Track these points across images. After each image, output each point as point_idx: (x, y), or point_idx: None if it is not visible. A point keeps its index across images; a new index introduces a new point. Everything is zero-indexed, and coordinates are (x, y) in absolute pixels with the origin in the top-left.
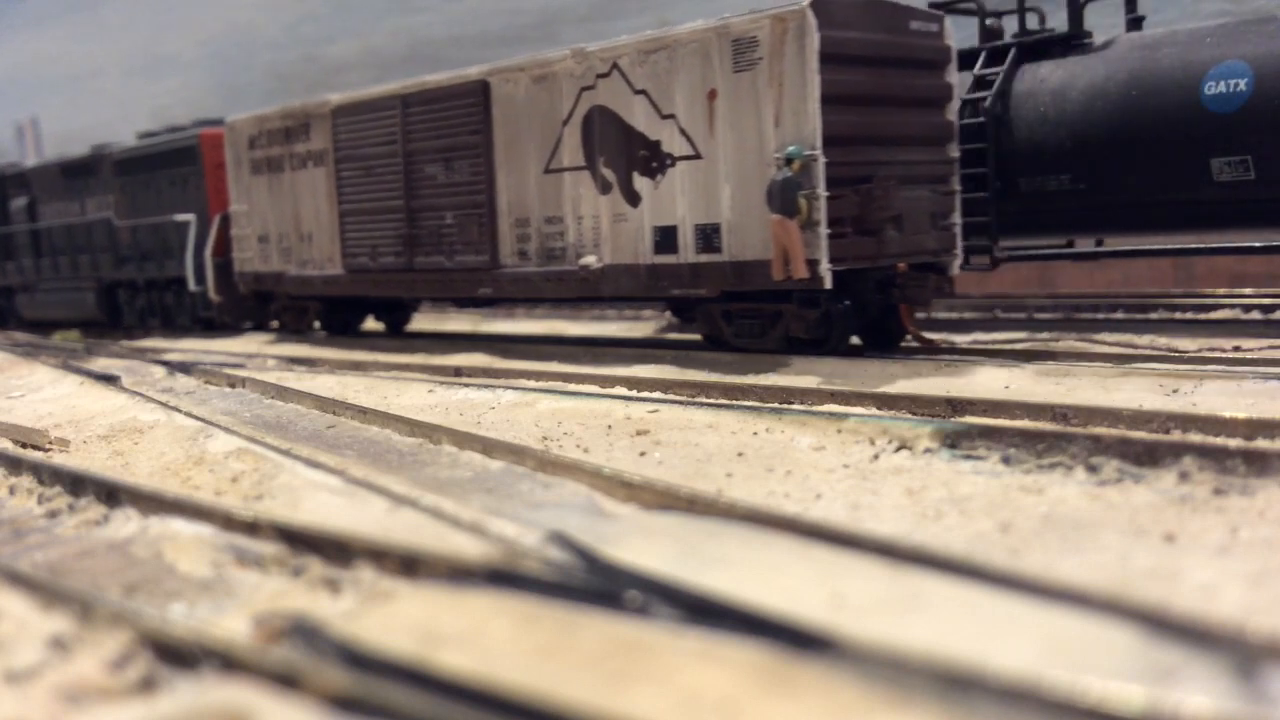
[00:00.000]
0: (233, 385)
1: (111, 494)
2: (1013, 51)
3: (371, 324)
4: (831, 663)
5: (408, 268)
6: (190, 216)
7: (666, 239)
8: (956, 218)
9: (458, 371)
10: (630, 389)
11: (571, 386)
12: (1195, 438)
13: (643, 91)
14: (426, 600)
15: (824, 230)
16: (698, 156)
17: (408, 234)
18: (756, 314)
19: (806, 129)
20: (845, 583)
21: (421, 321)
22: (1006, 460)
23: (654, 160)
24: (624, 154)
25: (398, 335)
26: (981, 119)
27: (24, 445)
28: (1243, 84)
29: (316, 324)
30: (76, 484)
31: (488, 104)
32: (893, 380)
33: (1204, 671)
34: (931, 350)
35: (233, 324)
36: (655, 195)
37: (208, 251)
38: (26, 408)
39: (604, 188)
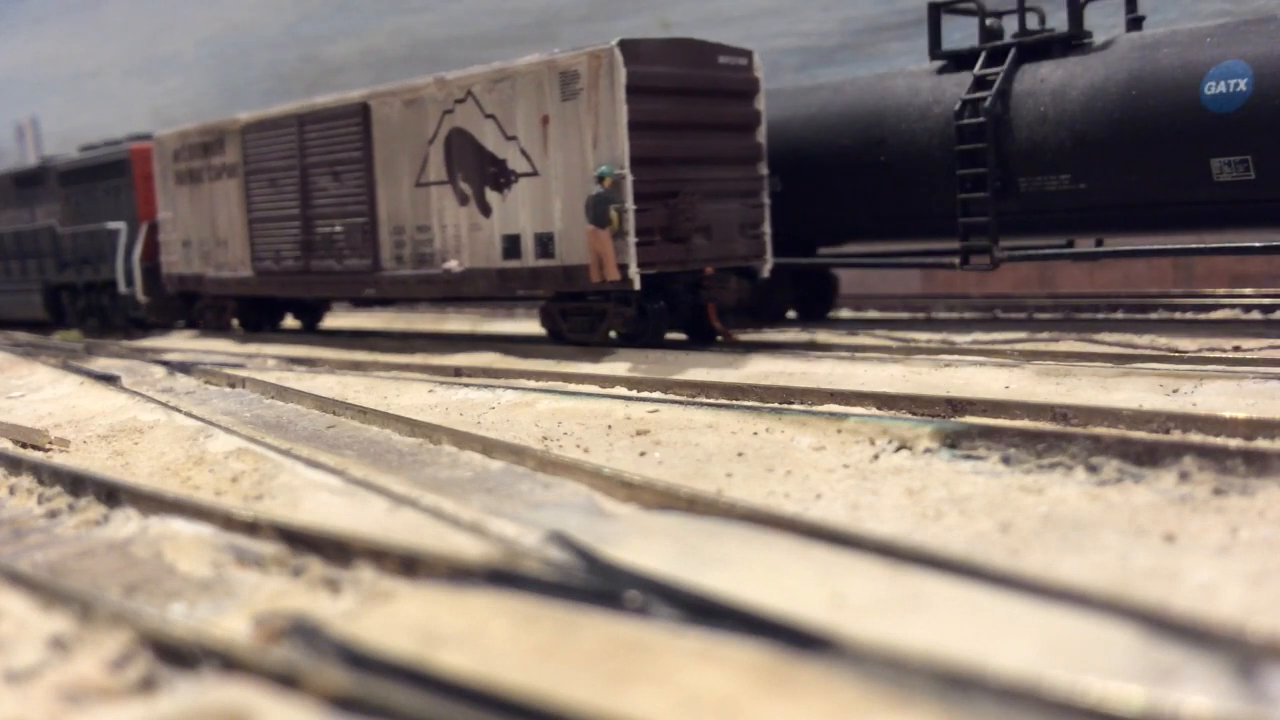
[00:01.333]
0: (233, 385)
1: (111, 494)
2: (1013, 51)
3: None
4: (831, 663)
5: (305, 270)
6: (121, 224)
7: (512, 246)
8: (766, 227)
9: (457, 371)
10: (630, 389)
11: (572, 386)
12: (1195, 438)
13: (491, 116)
14: (426, 600)
15: (632, 239)
16: (535, 174)
17: (305, 240)
18: (586, 312)
19: (617, 151)
20: (845, 583)
21: (421, 323)
22: (1006, 460)
23: (501, 176)
24: (478, 171)
25: (313, 331)
26: (981, 119)
27: (24, 445)
28: (1243, 84)
29: (235, 322)
30: (76, 484)
31: (368, 124)
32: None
33: (1204, 671)
34: (734, 343)
35: (160, 323)
36: (503, 207)
37: (135, 256)
38: (26, 408)
39: (463, 200)
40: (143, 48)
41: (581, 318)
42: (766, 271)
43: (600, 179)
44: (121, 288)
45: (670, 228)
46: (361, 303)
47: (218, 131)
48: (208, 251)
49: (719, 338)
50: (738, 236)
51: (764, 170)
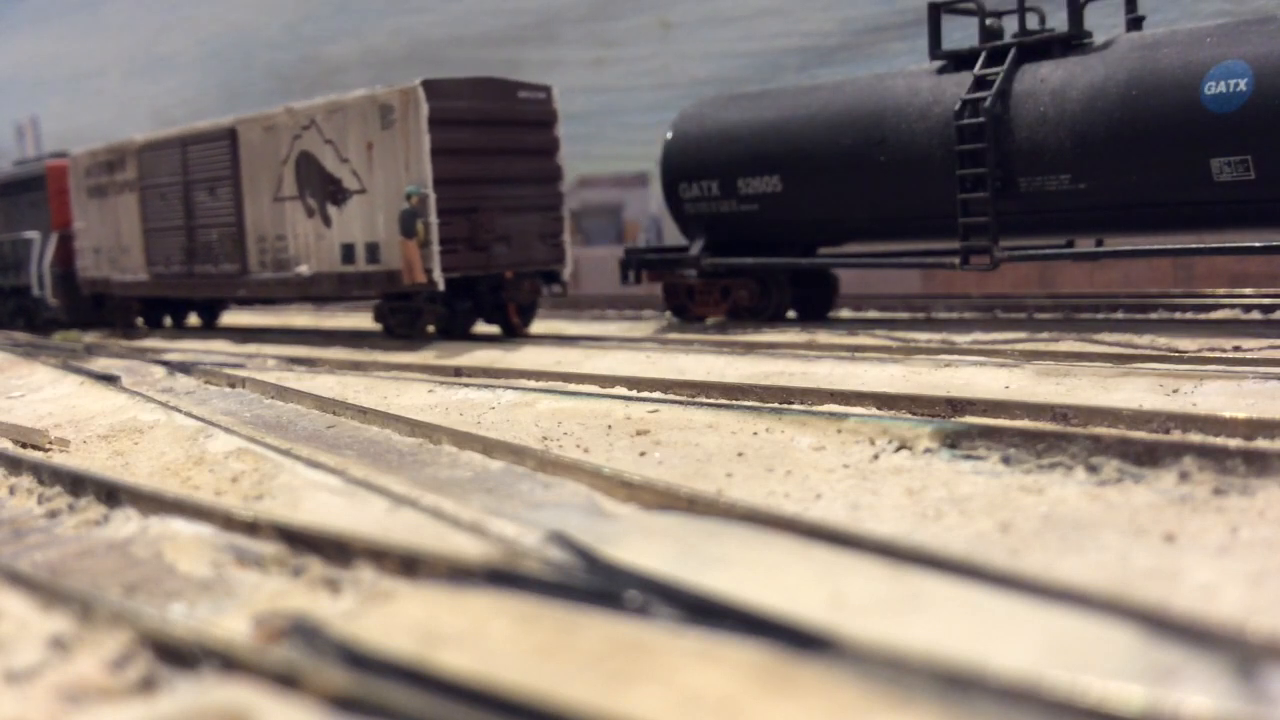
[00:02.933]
0: (233, 385)
1: (111, 494)
2: (1013, 51)
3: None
4: (831, 663)
5: (190, 274)
6: (35, 234)
7: (348, 253)
8: (566, 237)
9: (458, 371)
10: (630, 389)
11: (571, 386)
12: (1195, 438)
13: (330, 141)
14: (426, 600)
15: (436, 248)
16: (364, 191)
17: (189, 247)
18: (408, 310)
19: (423, 173)
20: (845, 583)
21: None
22: (1006, 460)
23: (339, 193)
24: (321, 187)
25: (211, 328)
26: (981, 119)
27: (24, 445)
28: (1243, 84)
29: (140, 320)
30: (76, 484)
31: (236, 147)
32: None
33: (1204, 671)
34: (528, 337)
35: (71, 323)
36: (341, 219)
37: (46, 263)
38: (26, 408)
39: (310, 213)
40: (143, 48)
41: (404, 315)
42: (566, 275)
43: (408, 197)
44: (35, 291)
45: (472, 238)
46: (235, 302)
47: (120, 151)
48: (114, 258)
49: (517, 331)
50: (537, 245)
51: (563, 189)
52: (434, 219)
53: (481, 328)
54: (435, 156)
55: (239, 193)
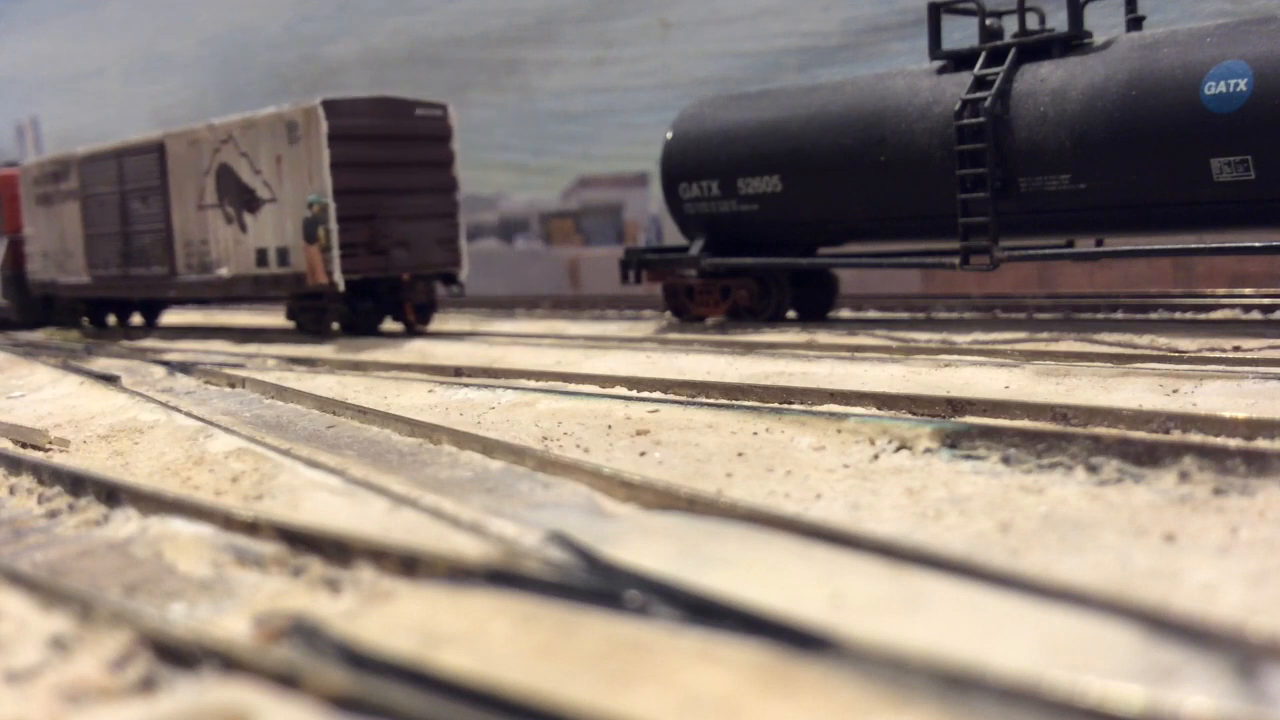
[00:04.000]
0: (233, 385)
1: (111, 494)
2: (1013, 51)
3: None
4: (831, 663)
5: (126, 276)
6: None
7: (262, 257)
8: (461, 242)
9: (458, 371)
10: (630, 389)
11: (571, 386)
12: (1195, 438)
13: (245, 154)
14: (426, 600)
15: (336, 253)
16: (274, 200)
17: (125, 251)
18: (316, 309)
19: (324, 184)
20: (845, 582)
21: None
22: (1006, 460)
23: (253, 202)
24: (238, 197)
25: (152, 327)
26: (981, 119)
27: (24, 445)
28: (1243, 84)
29: (86, 319)
30: (76, 484)
31: (164, 159)
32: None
33: (1204, 671)
34: (426, 334)
35: (20, 323)
36: (255, 226)
37: None
38: (26, 408)
39: (229, 220)
40: (143, 48)
41: (312, 313)
42: (463, 276)
43: (310, 205)
44: None
45: (371, 243)
46: (167, 303)
47: (64, 162)
48: (60, 261)
49: (414, 328)
50: (434, 249)
51: (459, 198)
52: (334, 226)
53: (390, 325)
54: (335, 169)
55: (168, 201)
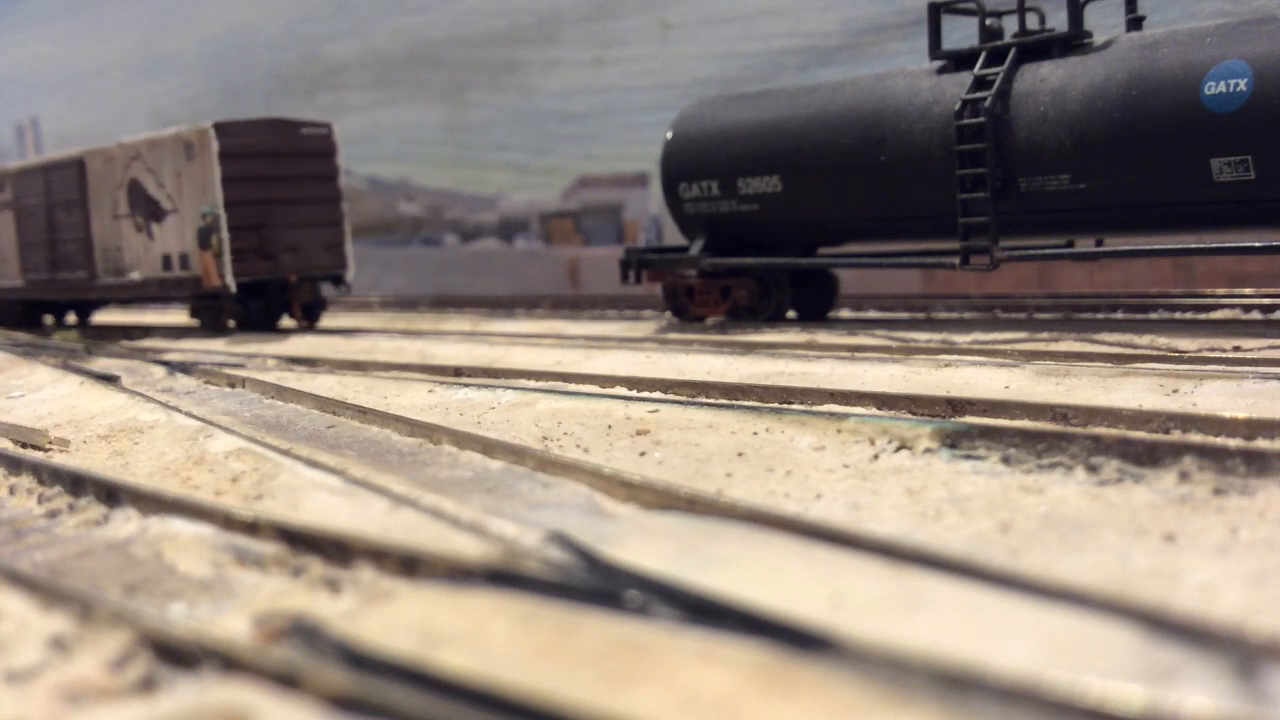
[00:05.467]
0: (232, 385)
1: (111, 494)
2: (1013, 51)
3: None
4: (831, 663)
5: (54, 280)
6: None
7: (167, 261)
8: (347, 247)
9: (458, 371)
10: (630, 389)
11: (571, 386)
12: (1195, 438)
13: (151, 170)
14: (426, 600)
15: (228, 258)
16: (177, 211)
17: (52, 258)
18: (214, 308)
19: (216, 197)
20: (845, 582)
21: (421, 323)
22: (1006, 460)
23: (158, 212)
24: (146, 208)
25: (85, 326)
26: (981, 119)
27: (24, 445)
28: (1243, 84)
29: (21, 320)
30: (76, 484)
31: (84, 174)
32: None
33: (1204, 671)
34: (315, 330)
35: None
36: (161, 234)
37: None
38: (26, 408)
39: (139, 229)
40: (143, 48)
41: (210, 312)
42: (349, 277)
43: (204, 216)
44: None
45: (261, 249)
46: (91, 304)
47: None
48: None
49: (301, 324)
50: (321, 253)
51: (344, 207)
52: (225, 234)
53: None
54: (226, 183)
55: (87, 212)
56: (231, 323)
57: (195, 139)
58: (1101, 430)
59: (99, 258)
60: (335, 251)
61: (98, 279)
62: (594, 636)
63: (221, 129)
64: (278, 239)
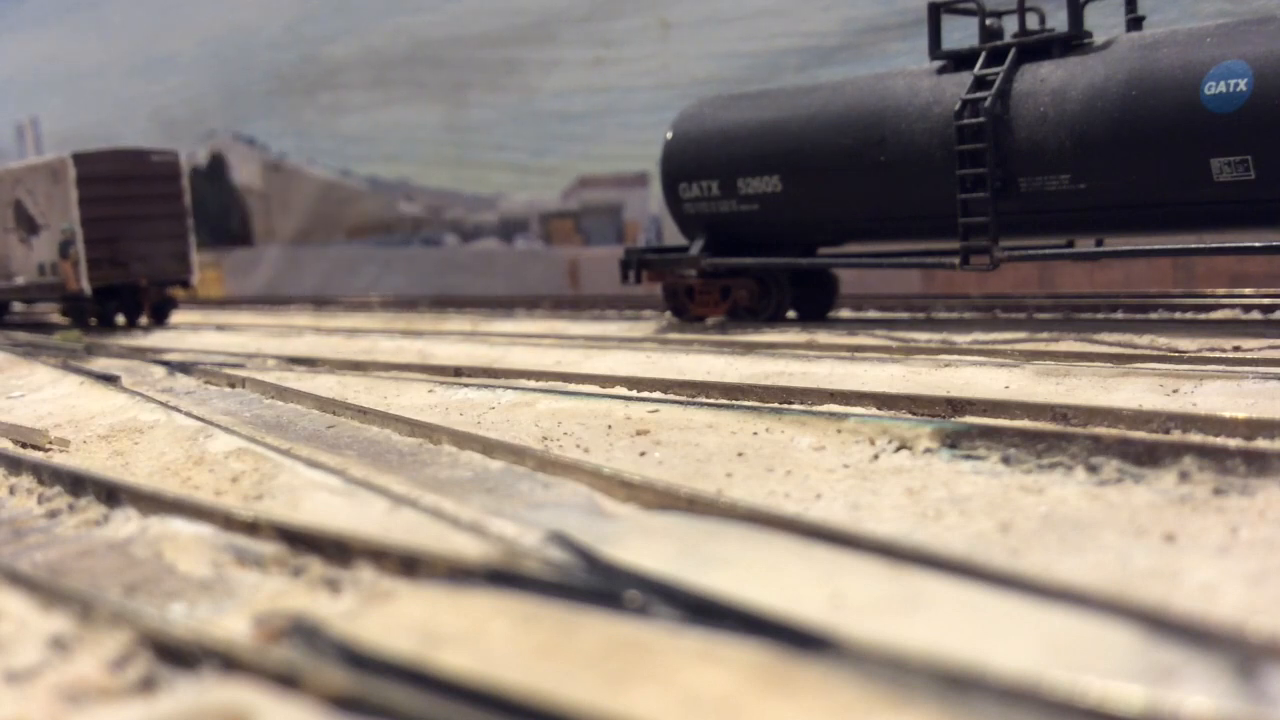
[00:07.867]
0: (233, 385)
1: (111, 494)
2: (1013, 51)
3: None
4: (831, 663)
5: None
6: None
7: (42, 269)
8: (192, 256)
9: (458, 371)
10: (630, 389)
11: (571, 386)
12: (1195, 438)
13: (30, 191)
14: (426, 600)
15: (84, 266)
16: (47, 227)
17: None
18: (78, 310)
19: (74, 215)
20: (845, 582)
21: (421, 323)
22: (1006, 460)
23: (35, 227)
24: (27, 224)
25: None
26: (981, 119)
27: (24, 445)
28: (1243, 84)
29: None
30: (76, 484)
31: None
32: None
33: (1204, 671)
34: (163, 326)
35: None
36: (38, 245)
37: None
38: (26, 408)
39: (22, 240)
40: (143, 48)
41: (75, 312)
42: (194, 281)
43: (63, 231)
44: None
45: (113, 258)
46: None
47: None
48: None
49: (152, 322)
50: (169, 262)
51: (190, 222)
52: (81, 246)
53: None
54: (82, 204)
55: None
56: (93, 320)
57: (59, 167)
58: (1101, 430)
59: None
60: (181, 260)
61: None
62: (594, 636)
63: (79, 159)
64: (129, 250)
